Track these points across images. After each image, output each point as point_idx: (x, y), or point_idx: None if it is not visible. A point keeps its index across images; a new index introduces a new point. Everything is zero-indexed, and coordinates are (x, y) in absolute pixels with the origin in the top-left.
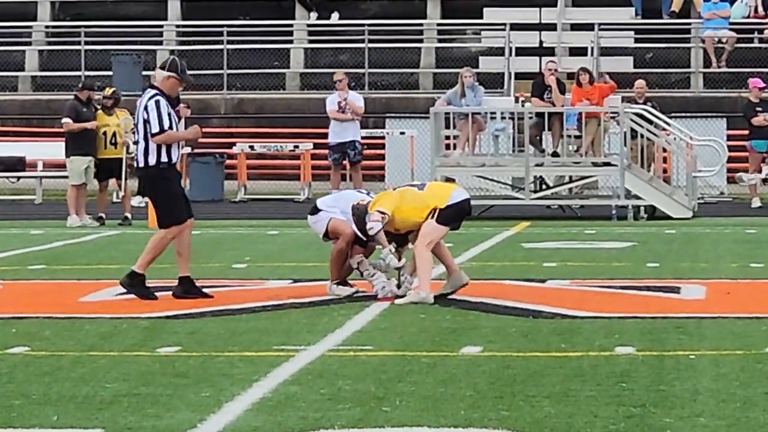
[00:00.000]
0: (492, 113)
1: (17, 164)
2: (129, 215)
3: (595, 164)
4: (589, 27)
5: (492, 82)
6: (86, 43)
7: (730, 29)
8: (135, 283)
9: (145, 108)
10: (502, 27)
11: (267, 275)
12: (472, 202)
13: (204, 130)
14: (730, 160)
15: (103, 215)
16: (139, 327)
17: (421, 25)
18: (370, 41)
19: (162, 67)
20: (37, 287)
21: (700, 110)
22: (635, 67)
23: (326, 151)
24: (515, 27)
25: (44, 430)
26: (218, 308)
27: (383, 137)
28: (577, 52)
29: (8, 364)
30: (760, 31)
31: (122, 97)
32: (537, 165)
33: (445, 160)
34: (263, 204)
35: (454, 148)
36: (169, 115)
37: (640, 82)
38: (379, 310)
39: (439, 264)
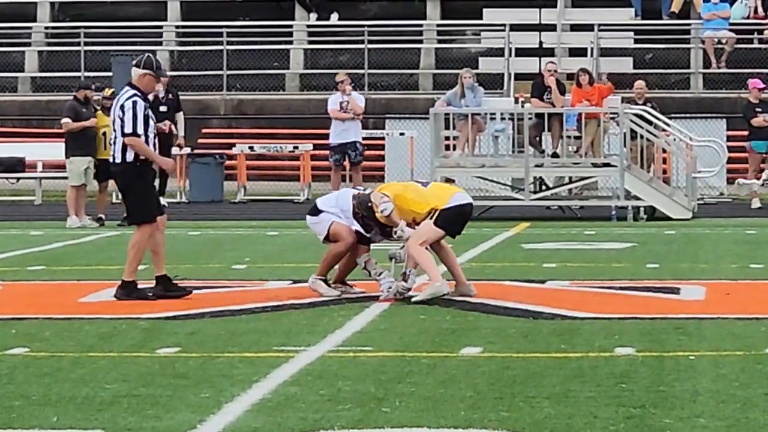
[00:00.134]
0: (492, 114)
1: (17, 165)
2: None
3: (594, 165)
4: (588, 27)
5: (492, 82)
6: (86, 44)
7: (730, 30)
8: (129, 291)
9: (122, 107)
10: (502, 28)
11: (267, 276)
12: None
13: (204, 130)
14: (729, 160)
15: (103, 216)
16: (139, 328)
17: (420, 25)
18: (370, 42)
19: (137, 66)
20: (37, 288)
21: (699, 111)
22: (635, 67)
23: (326, 152)
24: (515, 28)
25: (44, 431)
26: (218, 309)
27: (383, 138)
28: (577, 52)
29: (8, 365)
30: (760, 32)
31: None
32: (537, 166)
33: (445, 160)
34: (263, 205)
35: (454, 148)
36: (146, 116)
37: (639, 83)
38: (378, 311)
39: (440, 265)
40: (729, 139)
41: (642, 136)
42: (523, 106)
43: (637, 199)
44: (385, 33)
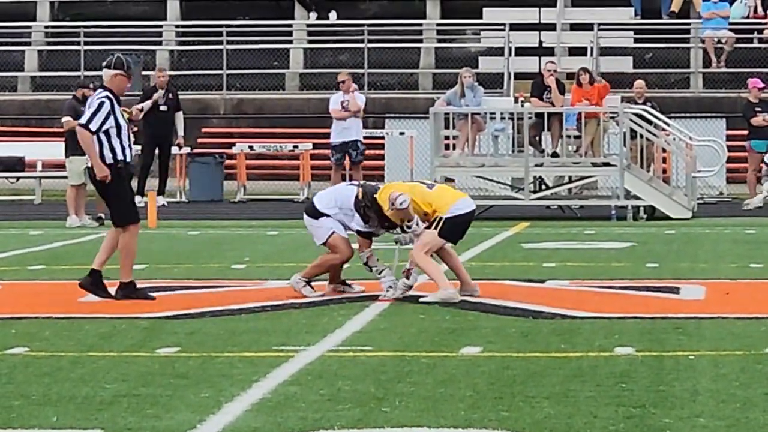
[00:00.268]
0: (491, 113)
1: (16, 164)
2: None
3: (594, 164)
4: (588, 27)
5: (491, 82)
6: (85, 43)
7: (730, 29)
8: (129, 291)
9: (89, 105)
10: (502, 27)
11: (266, 276)
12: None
13: (203, 130)
14: (729, 160)
15: (103, 215)
16: (139, 327)
17: (420, 25)
18: (370, 41)
19: (107, 66)
20: (37, 287)
21: (699, 110)
22: (635, 67)
23: (326, 151)
24: (515, 27)
25: (44, 430)
26: (218, 309)
27: (383, 137)
28: (577, 52)
29: (8, 364)
30: (760, 31)
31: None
32: (536, 165)
33: (445, 160)
34: (263, 204)
35: (454, 148)
36: (107, 117)
37: (639, 83)
38: (378, 311)
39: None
40: (729, 138)
41: (642, 136)
42: (522, 106)
43: (637, 198)
44: (385, 32)
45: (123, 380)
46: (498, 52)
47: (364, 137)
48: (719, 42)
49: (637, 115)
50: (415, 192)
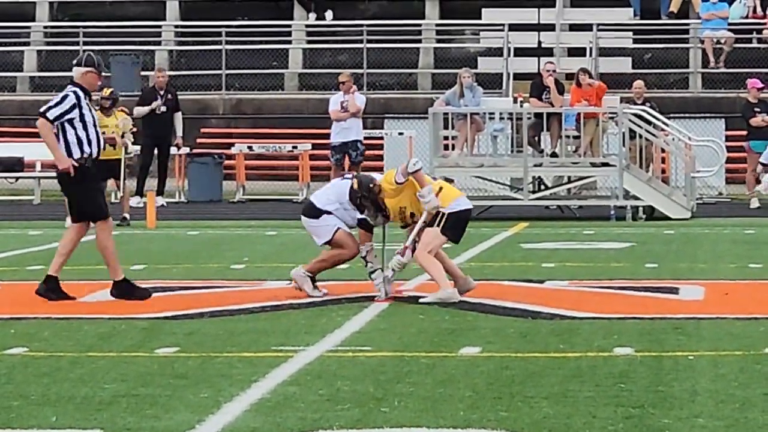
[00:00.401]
0: (491, 114)
1: (16, 165)
2: (127, 216)
3: (593, 165)
4: (587, 27)
5: (490, 82)
6: (85, 43)
7: (729, 30)
8: (123, 290)
9: (54, 97)
10: (501, 27)
11: (265, 276)
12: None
13: (202, 130)
14: (728, 160)
15: None
16: (138, 328)
17: (419, 25)
18: (369, 41)
19: (78, 64)
20: (36, 288)
21: (698, 111)
22: (634, 67)
23: (325, 152)
24: (514, 27)
25: (43, 430)
26: (217, 309)
27: (382, 138)
28: (576, 52)
29: (7, 364)
30: (759, 32)
31: (120, 97)
32: (535, 165)
33: (444, 160)
34: (262, 204)
35: (453, 148)
36: (71, 109)
37: (638, 83)
38: (377, 311)
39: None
40: (728, 138)
41: (641, 136)
42: (521, 106)
43: (636, 198)
44: (384, 33)
45: (122, 380)
46: (497, 52)
47: (363, 137)
48: (718, 42)
49: (636, 115)
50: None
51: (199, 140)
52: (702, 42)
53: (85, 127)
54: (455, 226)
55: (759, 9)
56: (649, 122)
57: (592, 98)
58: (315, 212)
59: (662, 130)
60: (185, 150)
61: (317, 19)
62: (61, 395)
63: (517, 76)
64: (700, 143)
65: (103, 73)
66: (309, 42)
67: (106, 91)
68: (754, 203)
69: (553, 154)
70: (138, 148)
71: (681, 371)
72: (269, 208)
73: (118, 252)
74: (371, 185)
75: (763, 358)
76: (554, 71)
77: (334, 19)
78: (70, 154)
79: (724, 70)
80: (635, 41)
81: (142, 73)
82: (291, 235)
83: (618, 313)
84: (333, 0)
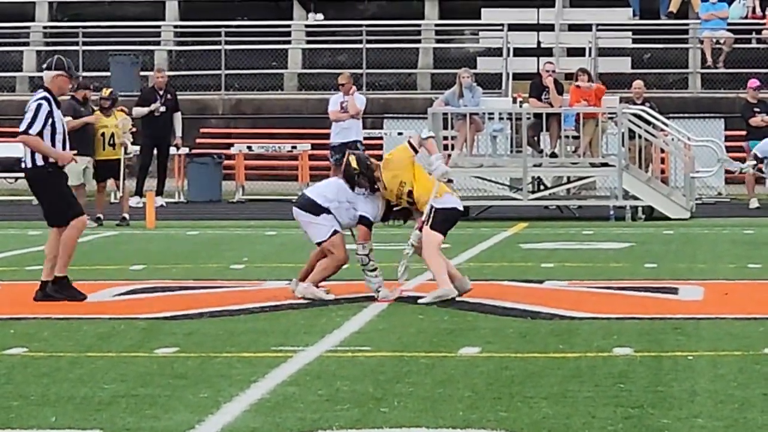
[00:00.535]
0: (490, 114)
1: (15, 165)
2: (127, 216)
3: (592, 165)
4: (586, 27)
5: (490, 82)
6: (84, 43)
7: (728, 29)
8: (62, 287)
9: (27, 108)
10: (500, 27)
11: (265, 276)
12: (470, 203)
13: (202, 130)
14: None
15: (101, 216)
16: (137, 328)
17: (419, 25)
18: (368, 42)
19: (48, 68)
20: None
21: (698, 111)
22: (633, 67)
23: (324, 152)
24: (513, 27)
25: (42, 431)
26: (216, 309)
27: (381, 138)
28: (575, 52)
29: (6, 365)
30: (758, 32)
31: (119, 97)
32: (535, 165)
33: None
34: (261, 204)
35: (452, 148)
36: (47, 119)
37: (638, 83)
38: (376, 311)
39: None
40: (727, 138)
41: (640, 136)
42: (521, 106)
43: (636, 198)
44: (384, 33)
45: (121, 381)
46: (496, 52)
47: (363, 138)
48: (718, 42)
49: (635, 115)
50: (417, 168)
51: (198, 140)
52: (701, 42)
53: (53, 134)
54: (444, 220)
55: (758, 9)
56: (648, 122)
57: (591, 98)
58: (316, 209)
59: (661, 130)
60: (184, 150)
61: (315, 18)
62: (61, 395)
63: (517, 76)
64: (700, 143)
65: (74, 77)
66: (308, 42)
67: (106, 91)
68: (754, 203)
69: (553, 155)
70: (137, 148)
71: (680, 371)
72: (268, 208)
73: (117, 252)
74: (368, 162)
75: (763, 358)
76: (553, 71)
77: (334, 19)
78: (34, 160)
79: (724, 70)
80: (634, 41)
81: (142, 73)
82: (290, 235)
83: (617, 313)
84: (332, 0)
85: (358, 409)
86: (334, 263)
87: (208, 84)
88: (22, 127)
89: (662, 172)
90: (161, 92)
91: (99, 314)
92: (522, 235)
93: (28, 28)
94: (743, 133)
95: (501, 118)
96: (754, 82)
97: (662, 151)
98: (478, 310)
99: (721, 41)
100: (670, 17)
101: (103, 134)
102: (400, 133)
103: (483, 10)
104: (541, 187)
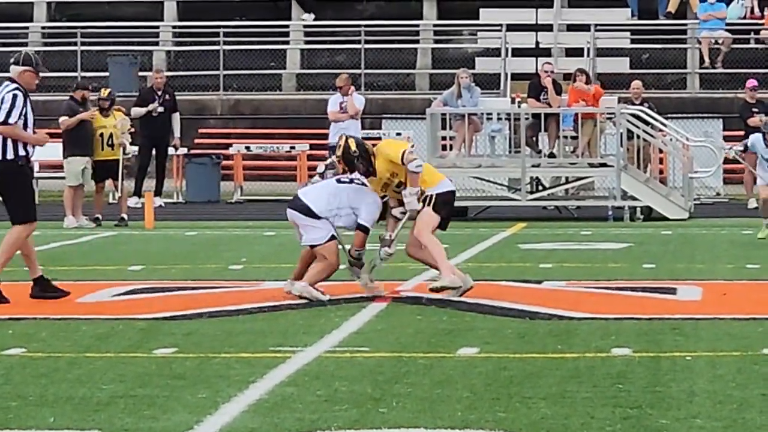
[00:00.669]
0: (488, 114)
1: None
2: (125, 216)
3: (591, 165)
4: (585, 28)
5: (488, 82)
6: (82, 44)
7: (727, 30)
8: None
9: (2, 99)
10: (499, 28)
11: (263, 276)
12: (469, 203)
13: (200, 131)
14: (726, 161)
15: (100, 216)
16: (136, 328)
17: (417, 25)
18: (367, 42)
19: (16, 63)
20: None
21: (696, 111)
22: (631, 67)
23: (323, 152)
24: (511, 28)
25: (41, 431)
26: (215, 309)
27: (380, 138)
28: (574, 52)
29: (5, 365)
30: (757, 32)
31: (118, 98)
32: (533, 166)
33: (442, 161)
34: (260, 205)
35: (451, 149)
36: (22, 111)
37: (636, 83)
38: (375, 312)
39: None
40: (725, 139)
41: (638, 136)
42: (519, 107)
43: (634, 199)
44: (382, 33)
45: (120, 381)
46: (495, 52)
47: (361, 138)
48: (716, 43)
49: (633, 115)
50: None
51: (196, 141)
52: (700, 42)
53: (24, 128)
54: (445, 203)
55: (757, 9)
56: (646, 123)
57: (590, 99)
58: (311, 213)
59: (660, 130)
60: (183, 150)
61: (315, 18)
62: (59, 396)
63: (515, 77)
64: (698, 144)
65: (41, 73)
66: (307, 42)
67: (104, 92)
68: (752, 203)
69: (551, 155)
70: (136, 148)
71: (679, 372)
72: (267, 208)
73: (116, 252)
74: (365, 146)
75: (761, 358)
76: (552, 72)
77: (332, 19)
78: (5, 153)
79: (722, 70)
80: (633, 41)
81: (140, 73)
82: (289, 236)
83: (616, 313)
84: (331, 0)
85: (357, 409)
86: (329, 269)
87: (207, 84)
88: (1, 118)
89: (660, 172)
90: (159, 93)
91: (97, 314)
92: (520, 236)
93: (26, 28)
94: (741, 133)
95: (499, 119)
96: (751, 83)
97: (660, 151)
98: (476, 310)
99: (720, 41)
100: (668, 17)
101: (101, 134)
102: (398, 134)
103: (481, 10)
104: (540, 188)
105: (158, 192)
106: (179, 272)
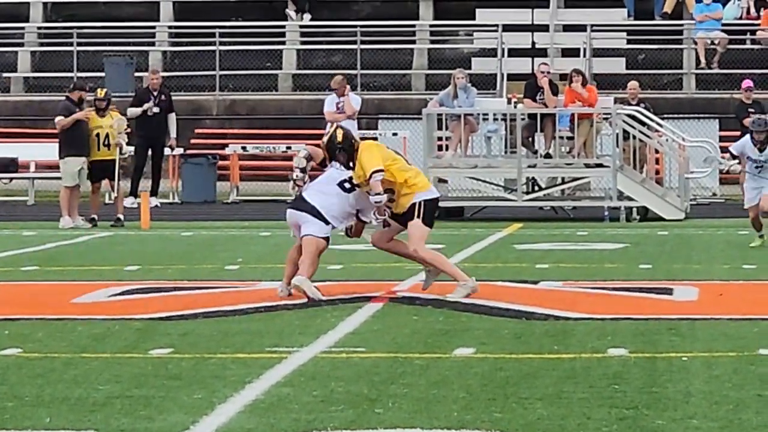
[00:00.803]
0: (484, 114)
1: (10, 165)
2: (122, 216)
3: (587, 165)
4: (581, 28)
5: (484, 83)
6: (78, 44)
7: (723, 30)
8: None
9: None
10: (495, 28)
11: (260, 276)
12: (465, 204)
13: (196, 131)
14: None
15: (96, 216)
16: (132, 328)
17: (413, 26)
18: (363, 42)
19: None
20: (30, 288)
21: (692, 111)
22: (627, 68)
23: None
24: (507, 28)
25: None
26: (211, 310)
27: (376, 138)
28: (570, 53)
29: (1, 365)
30: (752, 33)
31: (114, 98)
32: (529, 166)
33: (438, 161)
34: (256, 205)
35: (447, 149)
36: None
37: (633, 84)
38: (371, 312)
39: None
40: (721, 139)
41: (635, 137)
42: (515, 107)
43: (630, 199)
44: (378, 33)
45: (116, 381)
46: (491, 53)
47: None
48: (712, 43)
49: (630, 116)
50: (398, 162)
51: (192, 141)
52: (696, 43)
53: None
54: (430, 212)
55: (753, 10)
56: (643, 123)
57: (585, 101)
58: (322, 218)
59: (656, 131)
60: (179, 151)
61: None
62: (55, 396)
63: (511, 77)
64: (694, 144)
65: None
66: (303, 43)
67: (101, 92)
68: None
69: (547, 155)
70: (132, 148)
71: (675, 372)
72: (263, 208)
73: (112, 252)
74: (352, 141)
75: (757, 359)
76: (548, 72)
77: (328, 19)
78: None
79: (718, 71)
80: (629, 42)
81: (136, 74)
82: (285, 236)
83: (612, 314)
84: (327, 1)
85: (353, 410)
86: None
87: (203, 85)
88: None
89: (657, 172)
90: (156, 93)
91: (93, 315)
92: (516, 236)
93: (22, 28)
94: (738, 133)
95: (495, 119)
96: (746, 83)
97: (657, 151)
98: (472, 310)
99: (716, 42)
100: (664, 18)
101: (97, 135)
102: (394, 134)
103: (477, 10)
104: (536, 188)
105: (154, 192)
106: (175, 272)
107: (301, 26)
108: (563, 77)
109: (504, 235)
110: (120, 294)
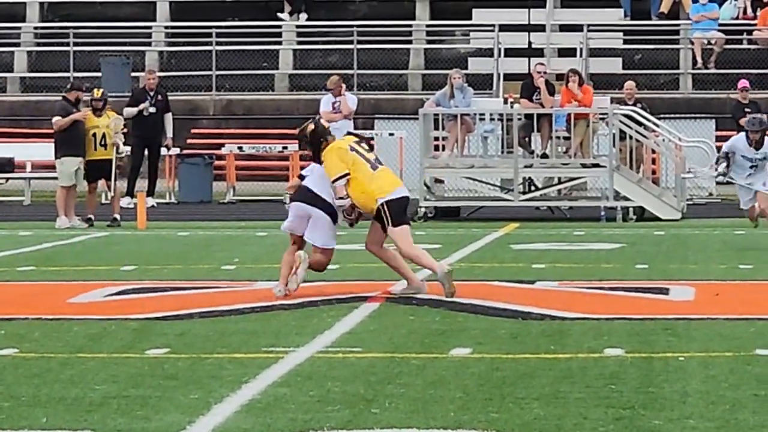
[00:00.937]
0: (481, 114)
1: (6, 165)
2: (118, 216)
3: (584, 165)
4: (577, 28)
5: (481, 83)
6: (75, 44)
7: (719, 30)
8: None
9: None
10: (491, 28)
11: (256, 276)
12: (461, 204)
13: (193, 131)
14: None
15: (92, 216)
16: (128, 328)
17: (410, 26)
18: (359, 42)
19: None
20: (26, 288)
21: (689, 111)
22: (624, 68)
23: None
24: (504, 28)
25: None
26: (207, 310)
27: (372, 138)
28: (566, 53)
29: None
30: (749, 32)
31: (110, 98)
32: (526, 166)
33: (434, 161)
34: (252, 205)
35: (443, 149)
36: None
37: (629, 84)
38: (368, 312)
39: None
40: (718, 139)
41: (631, 137)
42: (512, 107)
43: (627, 199)
44: (375, 33)
45: (112, 381)
46: (487, 53)
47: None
48: (709, 43)
49: (626, 116)
50: (358, 169)
51: (189, 141)
52: (692, 43)
53: None
54: (397, 212)
55: (749, 10)
56: (639, 123)
57: (582, 99)
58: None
59: (653, 131)
60: (175, 151)
61: (294, 19)
62: (52, 396)
63: (508, 77)
64: (691, 144)
65: None
66: (299, 43)
67: (97, 92)
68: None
69: (544, 155)
70: (128, 148)
71: (671, 372)
72: (259, 208)
73: (108, 252)
74: (322, 139)
75: (754, 359)
76: (545, 72)
77: (325, 19)
78: None
79: (715, 70)
80: (626, 42)
81: (133, 74)
82: (281, 236)
83: (608, 313)
84: (323, 0)
85: (349, 410)
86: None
87: (199, 85)
88: None
89: (653, 172)
90: (152, 93)
91: (90, 315)
92: (513, 236)
93: (19, 28)
94: (734, 133)
95: (492, 119)
96: (742, 83)
97: (653, 151)
98: (469, 310)
99: (712, 42)
100: (661, 18)
101: (94, 135)
102: (391, 134)
103: (474, 10)
104: (532, 188)
105: (151, 192)
106: (172, 272)
107: (298, 26)
108: (560, 77)
109: (500, 235)
110: (116, 294)
